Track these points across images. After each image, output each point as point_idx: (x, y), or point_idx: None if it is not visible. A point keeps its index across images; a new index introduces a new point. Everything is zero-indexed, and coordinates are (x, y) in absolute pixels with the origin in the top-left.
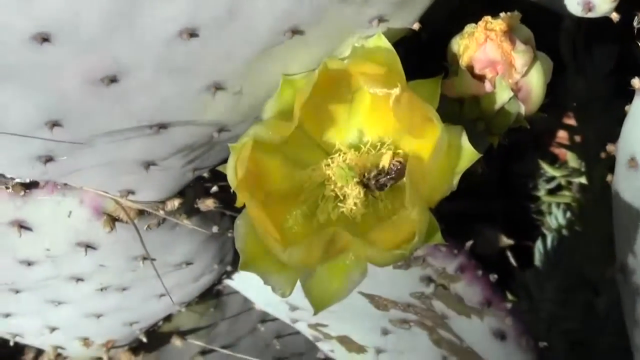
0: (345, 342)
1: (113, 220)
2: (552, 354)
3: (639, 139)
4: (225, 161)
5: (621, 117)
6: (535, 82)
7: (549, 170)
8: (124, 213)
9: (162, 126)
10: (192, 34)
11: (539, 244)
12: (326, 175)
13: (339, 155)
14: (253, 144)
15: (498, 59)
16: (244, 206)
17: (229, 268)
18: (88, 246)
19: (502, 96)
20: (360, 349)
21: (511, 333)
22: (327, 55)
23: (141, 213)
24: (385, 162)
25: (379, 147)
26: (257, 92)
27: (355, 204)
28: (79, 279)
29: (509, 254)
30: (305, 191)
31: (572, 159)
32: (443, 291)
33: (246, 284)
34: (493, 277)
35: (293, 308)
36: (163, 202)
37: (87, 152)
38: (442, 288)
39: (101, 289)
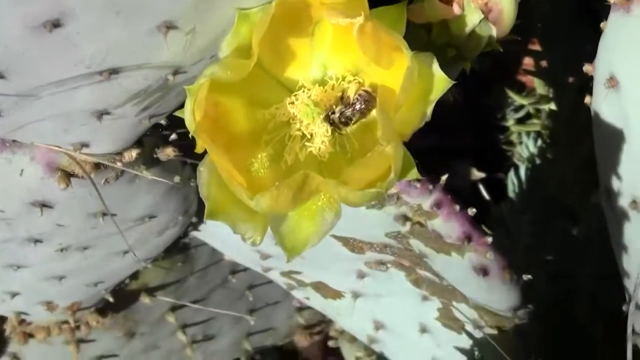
0: (321, 288)
1: (68, 175)
2: (534, 287)
3: (617, 56)
4: (182, 106)
5: (587, 38)
6: (505, 1)
7: (516, 98)
8: (79, 167)
9: (113, 71)
10: None
11: (511, 175)
12: (291, 113)
13: (303, 91)
14: (211, 85)
15: None
16: (205, 152)
17: (194, 219)
18: (43, 205)
19: (472, 19)
20: (337, 295)
21: (494, 268)
22: None
23: (97, 167)
24: (350, 92)
25: (345, 80)
26: (212, 30)
27: (323, 142)
28: (37, 241)
29: (481, 187)
30: (270, 132)
31: (539, 86)
32: (420, 229)
33: (214, 234)
34: (471, 211)
35: (264, 256)
36: (120, 153)
37: (35, 104)
38: (419, 226)
39: (61, 250)
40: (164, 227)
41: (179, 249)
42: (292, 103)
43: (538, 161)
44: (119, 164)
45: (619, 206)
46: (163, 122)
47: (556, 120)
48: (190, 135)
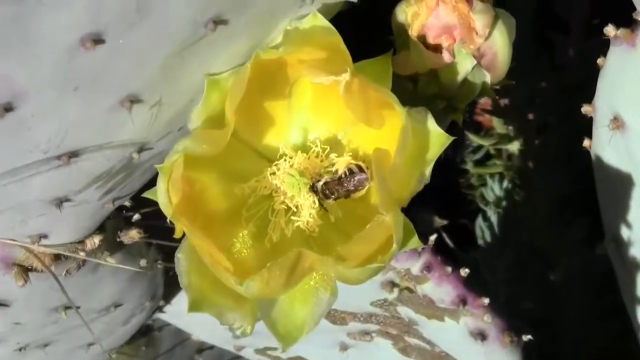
0: None
1: (25, 270)
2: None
3: (621, 95)
4: (149, 185)
5: (544, 73)
6: (499, 44)
7: (475, 140)
8: (38, 261)
9: (73, 154)
10: (97, 40)
11: (480, 222)
12: (273, 185)
13: (285, 160)
14: (184, 162)
15: (455, 23)
16: (180, 237)
17: (161, 303)
18: None
19: (464, 66)
20: None
21: (492, 331)
22: (256, 46)
23: (57, 258)
24: (340, 166)
25: (329, 146)
26: (179, 100)
27: (310, 215)
28: None
29: (445, 236)
30: (250, 207)
31: (498, 125)
32: (409, 295)
33: (180, 314)
34: (464, 271)
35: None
36: (81, 241)
37: None
38: (408, 292)
39: (19, 349)
40: (131, 315)
41: (142, 332)
42: (274, 174)
43: (505, 204)
44: (81, 254)
45: (630, 257)
46: (127, 203)
47: (523, 159)
48: (159, 217)
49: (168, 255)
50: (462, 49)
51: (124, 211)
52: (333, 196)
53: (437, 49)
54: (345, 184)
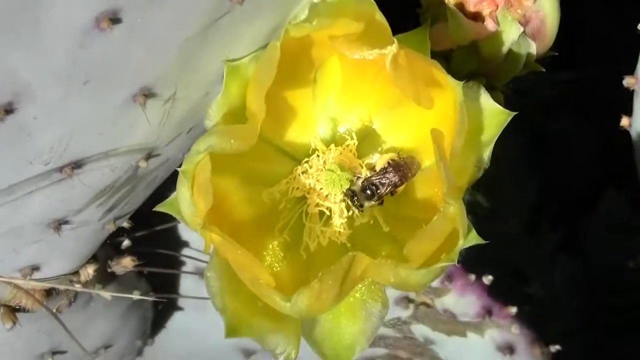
0: None
1: (13, 311)
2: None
3: None
4: (153, 202)
5: None
6: (547, 7)
7: None
8: (29, 298)
9: (76, 165)
10: (114, 19)
11: None
12: (306, 185)
13: (317, 156)
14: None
15: None
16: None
17: (149, 341)
18: None
19: (510, 34)
20: None
21: (520, 343)
22: (278, 27)
23: (49, 294)
24: (380, 163)
25: (363, 138)
26: (194, 93)
27: (341, 224)
28: None
29: None
30: (281, 214)
31: None
32: (426, 310)
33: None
34: (487, 279)
35: None
36: (76, 272)
37: None
38: (425, 307)
39: None
40: (120, 358)
41: None
42: (305, 172)
43: (471, 218)
44: (77, 286)
45: None
46: (126, 224)
47: (496, 168)
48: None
49: (156, 286)
50: (507, 14)
51: (122, 234)
52: (378, 192)
53: (477, 17)
54: (386, 176)
